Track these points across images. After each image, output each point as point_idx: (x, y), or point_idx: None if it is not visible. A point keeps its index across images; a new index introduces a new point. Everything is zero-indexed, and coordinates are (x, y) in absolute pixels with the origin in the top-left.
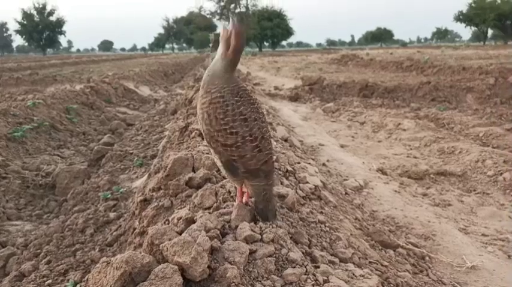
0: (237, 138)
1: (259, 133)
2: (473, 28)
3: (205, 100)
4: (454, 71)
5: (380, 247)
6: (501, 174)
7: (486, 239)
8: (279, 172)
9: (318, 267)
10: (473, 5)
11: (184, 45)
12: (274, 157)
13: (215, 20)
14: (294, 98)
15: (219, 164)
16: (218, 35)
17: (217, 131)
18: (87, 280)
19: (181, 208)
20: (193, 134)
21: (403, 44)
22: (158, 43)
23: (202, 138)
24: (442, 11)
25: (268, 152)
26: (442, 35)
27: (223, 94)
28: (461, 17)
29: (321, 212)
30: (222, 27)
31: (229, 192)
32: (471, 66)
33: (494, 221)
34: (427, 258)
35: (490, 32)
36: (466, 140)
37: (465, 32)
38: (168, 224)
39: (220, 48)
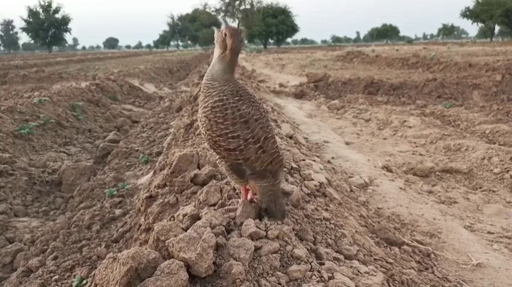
0: (239, 142)
1: (262, 133)
2: (480, 24)
3: (206, 104)
4: (460, 67)
5: (385, 244)
6: (507, 171)
7: (492, 237)
8: (284, 169)
9: (323, 264)
10: (480, 1)
11: (189, 42)
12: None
13: (220, 17)
14: (299, 95)
15: (223, 169)
16: None
17: (218, 135)
18: (93, 275)
19: (186, 205)
20: (198, 131)
21: (409, 41)
22: (163, 40)
23: None
24: (449, 7)
25: (274, 151)
26: (448, 31)
27: (222, 97)
28: (467, 13)
29: (326, 209)
30: (216, 30)
31: (234, 189)
32: (478, 63)
33: (501, 219)
34: (432, 255)
35: (497, 28)
36: (472, 138)
37: (472, 28)
38: (174, 220)
39: (217, 51)
